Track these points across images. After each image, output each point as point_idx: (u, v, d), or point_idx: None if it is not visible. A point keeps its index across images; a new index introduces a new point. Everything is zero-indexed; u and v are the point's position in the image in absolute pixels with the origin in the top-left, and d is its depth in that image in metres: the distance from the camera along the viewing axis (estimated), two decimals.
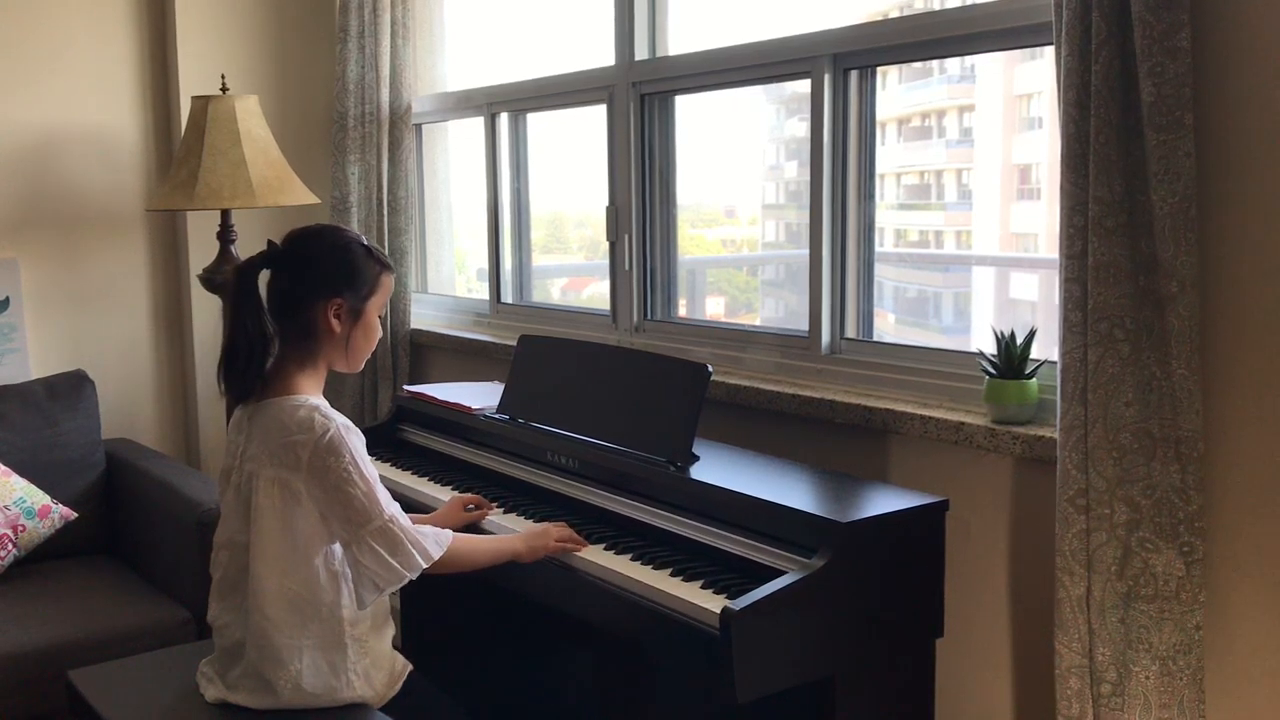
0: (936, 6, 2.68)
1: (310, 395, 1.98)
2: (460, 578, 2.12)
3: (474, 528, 2.28)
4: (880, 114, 2.54)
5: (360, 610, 1.99)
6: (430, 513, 2.34)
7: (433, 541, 1.99)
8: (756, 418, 2.55)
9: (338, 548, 1.96)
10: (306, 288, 1.98)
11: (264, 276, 2.01)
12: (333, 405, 3.67)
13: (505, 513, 2.34)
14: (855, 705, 1.90)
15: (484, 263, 3.62)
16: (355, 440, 1.94)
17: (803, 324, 2.61)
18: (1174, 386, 1.80)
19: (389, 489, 2.00)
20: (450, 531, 2.06)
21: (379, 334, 2.07)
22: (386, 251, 3.56)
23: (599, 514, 2.24)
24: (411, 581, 1.98)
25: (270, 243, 2.02)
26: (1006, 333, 2.14)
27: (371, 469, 1.95)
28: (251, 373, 1.98)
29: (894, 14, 2.57)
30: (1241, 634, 1.86)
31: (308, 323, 1.99)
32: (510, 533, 2.19)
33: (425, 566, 1.97)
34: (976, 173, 2.77)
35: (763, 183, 3.25)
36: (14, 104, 3.50)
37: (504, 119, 3.47)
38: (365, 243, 2.05)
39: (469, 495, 2.39)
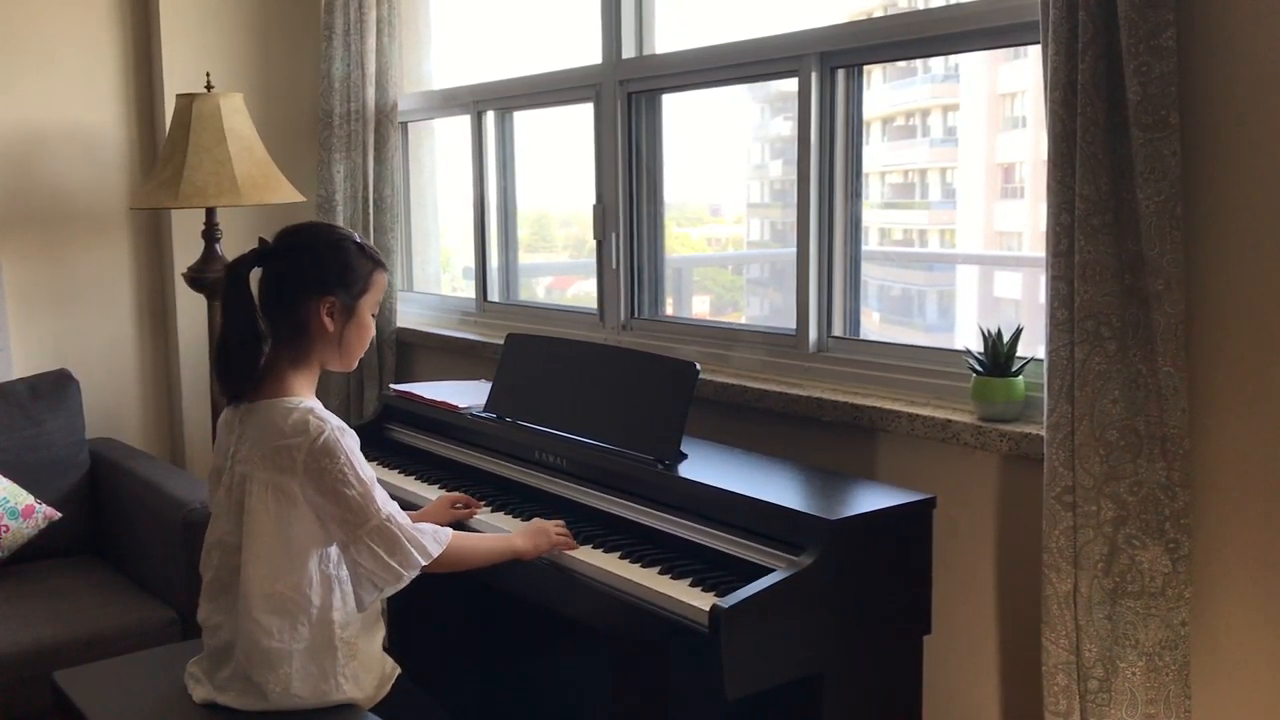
0: (922, 5, 2.69)
1: (304, 397, 1.97)
2: (449, 578, 2.12)
3: (462, 526, 2.27)
4: (866, 113, 2.55)
5: (360, 611, 1.98)
6: (417, 510, 2.33)
7: (431, 539, 1.97)
8: (744, 416, 2.55)
9: (333, 550, 1.95)
10: (299, 285, 1.97)
11: (256, 274, 2.00)
12: None
13: (493, 511, 2.34)
14: (844, 702, 1.91)
15: (470, 261, 3.62)
16: (350, 442, 1.92)
17: (789, 322, 2.62)
18: (1160, 383, 1.81)
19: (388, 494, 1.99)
20: (449, 529, 2.04)
21: (372, 332, 2.05)
22: None
23: (587, 512, 2.24)
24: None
25: (261, 240, 2.01)
26: (993, 330, 2.15)
27: (368, 470, 1.93)
28: (245, 370, 1.97)
29: (879, 13, 2.58)
30: (1227, 630, 1.88)
31: (300, 321, 1.97)
32: (500, 532, 2.19)
33: (424, 564, 1.95)
34: (960, 171, 2.78)
35: (748, 181, 3.26)
36: None
37: (490, 117, 3.47)
38: (358, 240, 2.03)
39: (456, 494, 2.39)
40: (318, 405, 1.96)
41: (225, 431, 2.03)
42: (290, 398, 1.95)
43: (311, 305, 1.96)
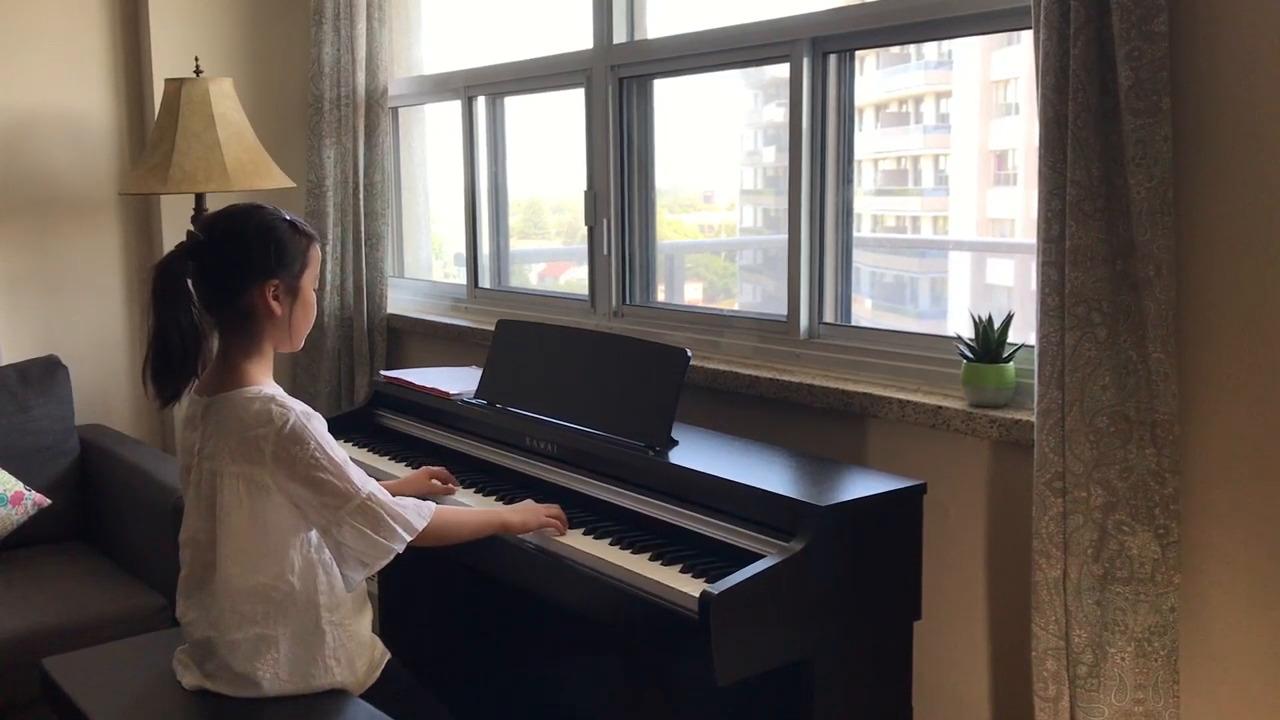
0: None
1: (263, 385, 1.94)
2: (441, 562, 2.11)
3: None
4: (858, 99, 2.54)
5: (349, 591, 1.98)
6: (393, 481, 2.33)
7: (414, 513, 1.96)
8: (735, 402, 2.55)
9: (313, 535, 1.95)
10: (240, 274, 1.93)
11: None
12: (310, 391, 3.68)
13: (484, 497, 2.33)
14: (834, 688, 1.91)
15: (461, 247, 3.61)
16: (316, 425, 1.91)
17: (781, 309, 2.61)
18: (1150, 370, 1.81)
19: (366, 473, 1.98)
20: (432, 503, 2.03)
21: (315, 308, 2.03)
22: (363, 236, 3.54)
23: (578, 499, 2.24)
24: (390, 565, 1.96)
25: (190, 233, 1.98)
26: (984, 317, 2.15)
27: (339, 450, 1.92)
28: (185, 372, 1.93)
29: None
30: (1215, 615, 1.88)
31: (247, 309, 1.94)
32: None
33: (410, 539, 1.95)
34: (954, 158, 2.77)
35: (741, 168, 3.25)
36: None
37: (481, 102, 3.46)
38: (288, 217, 1.99)
39: (435, 469, 2.39)
40: (279, 392, 1.94)
41: (188, 428, 2.01)
42: (250, 387, 1.93)
43: (256, 291, 1.94)
